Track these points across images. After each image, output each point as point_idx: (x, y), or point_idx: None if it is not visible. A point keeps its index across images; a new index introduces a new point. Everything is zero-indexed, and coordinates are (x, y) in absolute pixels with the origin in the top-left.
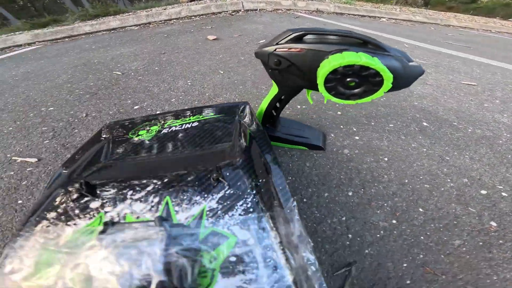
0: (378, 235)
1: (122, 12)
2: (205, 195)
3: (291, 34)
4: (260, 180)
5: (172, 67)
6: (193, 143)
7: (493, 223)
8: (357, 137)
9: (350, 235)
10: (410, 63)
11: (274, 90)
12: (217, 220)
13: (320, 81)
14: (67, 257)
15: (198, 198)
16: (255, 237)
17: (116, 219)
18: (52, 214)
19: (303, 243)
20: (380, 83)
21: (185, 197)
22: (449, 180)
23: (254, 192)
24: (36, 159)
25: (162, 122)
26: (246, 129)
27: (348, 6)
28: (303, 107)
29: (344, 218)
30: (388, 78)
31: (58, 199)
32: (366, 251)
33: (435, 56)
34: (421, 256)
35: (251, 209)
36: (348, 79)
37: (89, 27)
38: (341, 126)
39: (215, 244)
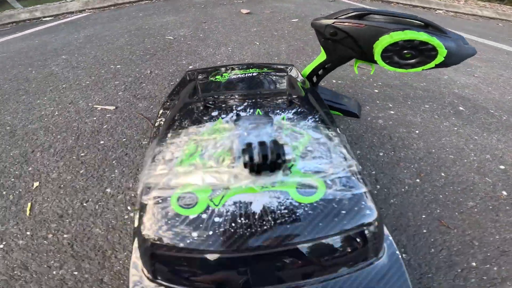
0: (402, 189)
1: None
2: (283, 110)
3: (352, 12)
4: (321, 108)
5: (214, 35)
6: (259, 85)
7: (504, 192)
8: (392, 112)
9: (378, 186)
10: (465, 45)
11: (321, 57)
12: (294, 124)
13: (378, 51)
14: (206, 141)
15: (278, 111)
16: (326, 136)
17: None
18: (188, 120)
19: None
20: (434, 56)
21: (269, 110)
22: (472, 155)
23: (319, 113)
24: (114, 107)
25: (229, 71)
26: (296, 81)
27: None
28: (339, 81)
29: (374, 172)
30: (442, 53)
31: (190, 110)
32: (391, 200)
33: (492, 52)
34: (438, 211)
35: (319, 121)
36: (405, 51)
37: None
38: (377, 101)
39: (294, 138)
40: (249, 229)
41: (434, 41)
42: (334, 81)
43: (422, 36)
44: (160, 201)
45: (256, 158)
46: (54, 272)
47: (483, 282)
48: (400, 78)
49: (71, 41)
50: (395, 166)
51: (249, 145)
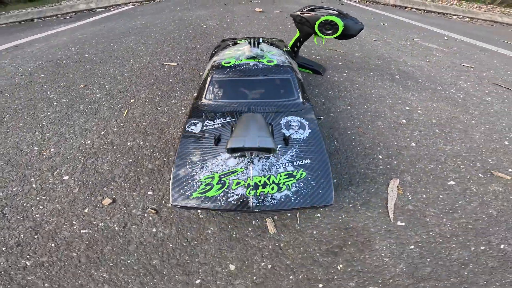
0: (339, 110)
1: None
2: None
3: (308, 7)
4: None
5: (234, 26)
6: (265, 41)
7: (404, 121)
8: (345, 74)
9: (324, 106)
10: (357, 23)
11: (297, 35)
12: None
13: (316, 26)
14: (234, 49)
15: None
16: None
17: None
18: (225, 48)
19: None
20: (337, 29)
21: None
22: (389, 100)
23: (292, 66)
24: (176, 64)
25: (247, 41)
26: (284, 45)
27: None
28: (318, 57)
29: (323, 101)
30: (341, 27)
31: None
32: (331, 114)
33: (467, 48)
34: (358, 123)
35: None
36: (327, 26)
37: None
38: (338, 69)
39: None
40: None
41: (337, 19)
42: (314, 57)
43: (331, 18)
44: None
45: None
46: (128, 144)
47: (388, 170)
48: (361, 56)
49: (132, 27)
50: (336, 99)
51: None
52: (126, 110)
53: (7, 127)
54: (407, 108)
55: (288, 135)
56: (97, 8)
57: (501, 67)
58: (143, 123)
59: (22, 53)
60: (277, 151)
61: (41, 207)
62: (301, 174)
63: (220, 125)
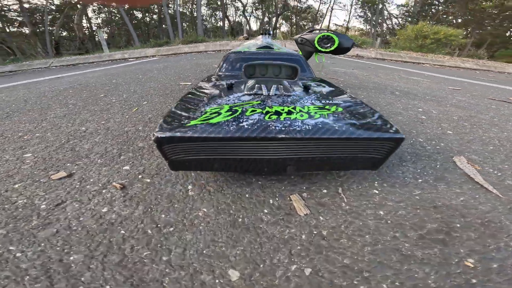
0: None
1: (206, 41)
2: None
3: (307, 30)
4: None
5: None
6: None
7: (423, 117)
8: (348, 90)
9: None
10: (348, 40)
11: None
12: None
13: (316, 41)
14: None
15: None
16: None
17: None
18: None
19: None
20: (334, 43)
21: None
22: (399, 105)
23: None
24: (190, 83)
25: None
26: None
27: (390, 53)
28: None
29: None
30: (336, 41)
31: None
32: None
33: (451, 81)
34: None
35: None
36: (324, 41)
37: (187, 48)
38: (340, 86)
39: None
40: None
41: (332, 35)
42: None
43: (328, 33)
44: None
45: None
46: (125, 129)
47: (439, 149)
48: (358, 82)
49: (157, 67)
50: (345, 90)
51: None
52: (136, 108)
53: (8, 122)
54: (420, 109)
55: (308, 84)
56: (130, 58)
57: (485, 90)
58: (149, 116)
59: (60, 80)
60: (299, 93)
61: None
62: (336, 108)
63: (234, 81)
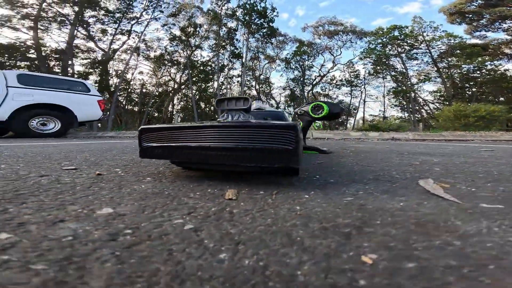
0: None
1: None
2: None
3: (303, 104)
4: None
5: None
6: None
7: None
8: (350, 153)
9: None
10: (337, 106)
11: (301, 126)
12: None
13: (310, 109)
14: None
15: None
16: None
17: None
18: None
19: None
20: (324, 109)
21: None
22: (400, 158)
23: None
24: None
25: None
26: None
27: (430, 133)
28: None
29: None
30: (325, 108)
31: None
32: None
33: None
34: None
35: None
36: (316, 108)
37: None
38: (340, 151)
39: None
40: None
41: (321, 103)
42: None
43: (318, 102)
44: None
45: None
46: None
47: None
48: (355, 163)
49: None
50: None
51: None
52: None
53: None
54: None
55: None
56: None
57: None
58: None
59: (95, 144)
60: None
61: None
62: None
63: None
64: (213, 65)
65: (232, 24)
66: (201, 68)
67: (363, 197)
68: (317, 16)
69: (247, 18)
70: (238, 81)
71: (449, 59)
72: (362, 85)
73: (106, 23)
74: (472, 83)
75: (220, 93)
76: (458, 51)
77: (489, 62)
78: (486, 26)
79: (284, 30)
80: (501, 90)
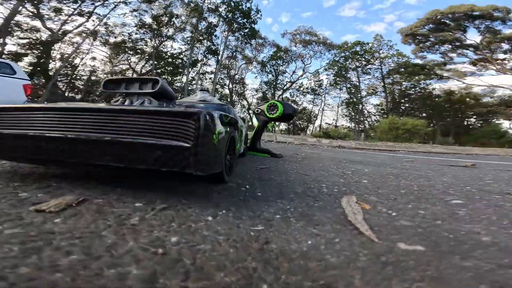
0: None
1: None
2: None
3: (261, 102)
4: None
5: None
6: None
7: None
8: (298, 158)
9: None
10: (291, 107)
11: (257, 127)
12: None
13: (265, 107)
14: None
15: None
16: None
17: None
18: None
19: None
20: (278, 109)
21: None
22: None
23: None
24: None
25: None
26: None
27: (368, 143)
28: (298, 155)
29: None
30: (280, 108)
31: None
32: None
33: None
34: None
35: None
36: (271, 108)
37: None
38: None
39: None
40: None
41: (277, 102)
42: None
43: (274, 101)
44: None
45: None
46: None
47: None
48: (295, 171)
49: None
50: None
51: None
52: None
53: None
54: (353, 168)
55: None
56: None
57: (438, 160)
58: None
59: None
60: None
61: None
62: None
63: None
64: (184, 58)
65: (213, 19)
66: (170, 60)
67: (275, 227)
68: (298, 24)
69: (229, 15)
70: (210, 78)
71: (394, 76)
72: (323, 94)
73: (64, 1)
74: (406, 99)
75: (189, 88)
76: (403, 69)
77: (423, 81)
78: (428, 48)
79: (266, 33)
80: (426, 107)
